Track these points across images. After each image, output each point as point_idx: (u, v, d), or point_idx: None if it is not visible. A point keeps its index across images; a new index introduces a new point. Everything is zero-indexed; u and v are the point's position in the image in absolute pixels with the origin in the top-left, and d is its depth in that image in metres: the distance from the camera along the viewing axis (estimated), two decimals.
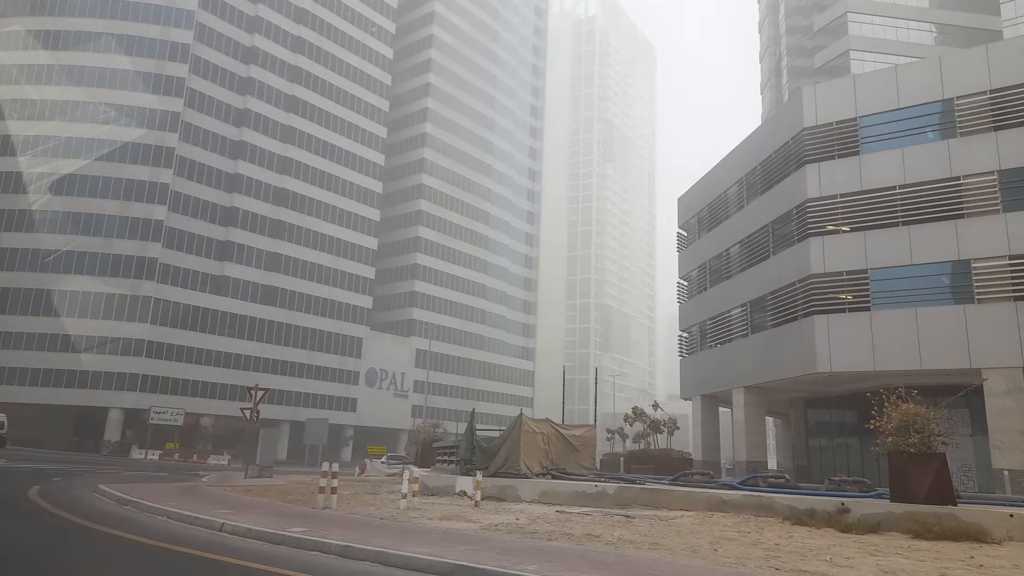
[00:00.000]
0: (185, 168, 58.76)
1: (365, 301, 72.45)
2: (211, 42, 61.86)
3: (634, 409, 30.29)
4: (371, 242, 73.85)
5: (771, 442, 50.90)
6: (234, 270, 61.54)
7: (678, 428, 29.30)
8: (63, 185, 55.19)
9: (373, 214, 74.50)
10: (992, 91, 24.44)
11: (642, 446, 30.48)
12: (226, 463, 45.87)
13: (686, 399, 39.40)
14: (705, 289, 37.12)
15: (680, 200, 42.32)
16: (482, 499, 16.57)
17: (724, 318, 34.27)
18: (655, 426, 28.85)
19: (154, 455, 47.64)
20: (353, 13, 75.09)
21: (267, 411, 43.70)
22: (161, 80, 58.45)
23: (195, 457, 48.88)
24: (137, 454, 48.47)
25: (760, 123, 58.20)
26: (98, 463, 35.90)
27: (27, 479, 19.82)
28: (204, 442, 57.71)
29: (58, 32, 58.14)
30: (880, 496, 14.54)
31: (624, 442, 33.57)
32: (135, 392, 53.86)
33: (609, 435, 33.20)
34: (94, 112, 56.80)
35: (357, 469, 36.96)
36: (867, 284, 25.34)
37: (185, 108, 58.92)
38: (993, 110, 24.30)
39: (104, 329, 53.80)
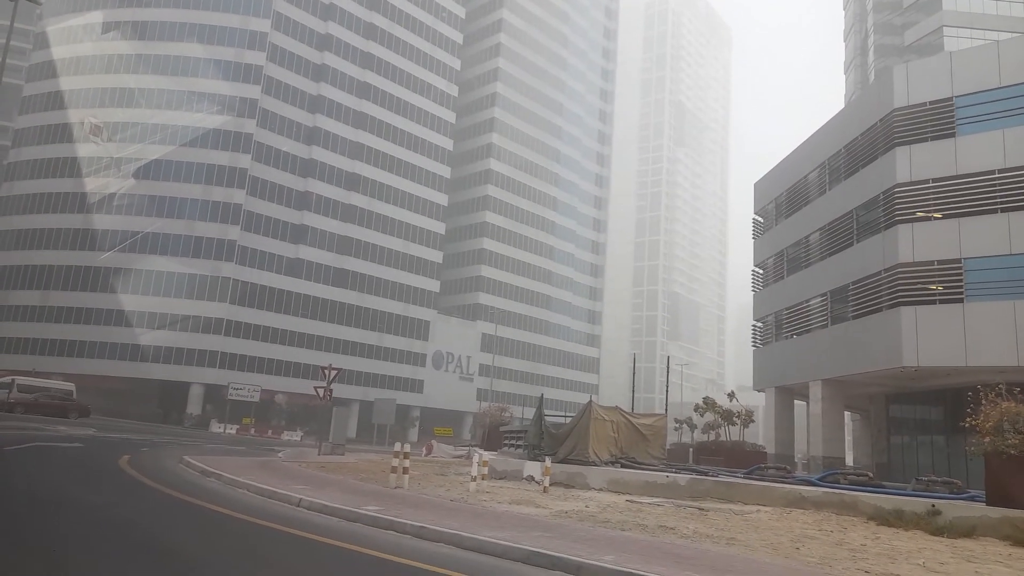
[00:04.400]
0: (262, 153, 60.64)
1: (433, 285, 73.38)
2: (287, 30, 63.40)
3: (706, 399, 29.57)
4: (439, 227, 74.59)
5: (848, 438, 49.04)
6: (308, 253, 63.28)
7: (753, 421, 28.46)
8: (150, 169, 57.84)
9: (441, 199, 75.17)
10: None
11: (712, 437, 29.80)
12: (299, 439, 47.35)
13: (759, 391, 38.31)
14: (782, 278, 35.86)
15: (757, 185, 40.94)
16: (550, 485, 16.49)
17: (802, 308, 33.04)
18: (727, 417, 28.13)
19: (232, 429, 49.60)
20: None
21: (338, 390, 44.96)
22: (240, 68, 60.34)
23: (270, 432, 50.64)
24: (216, 428, 50.57)
25: (844, 105, 55.70)
26: (181, 435, 37.64)
27: (116, 448, 20.89)
28: (278, 418, 59.81)
29: (144, 23, 60.73)
30: (974, 499, 13.70)
31: (692, 433, 32.93)
32: (215, 368, 56.25)
33: (677, 425, 32.60)
34: (178, 100, 59.18)
35: (424, 450, 37.52)
36: (960, 274, 23.87)
37: (263, 95, 60.68)
38: None
39: (187, 308, 56.31)
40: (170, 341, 55.68)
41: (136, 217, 57.34)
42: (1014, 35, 34.56)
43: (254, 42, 61.04)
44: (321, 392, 27.38)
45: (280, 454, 25.34)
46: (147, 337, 55.42)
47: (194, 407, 56.15)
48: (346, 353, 64.13)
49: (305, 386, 54.58)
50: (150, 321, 55.87)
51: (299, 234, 63.03)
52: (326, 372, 27.20)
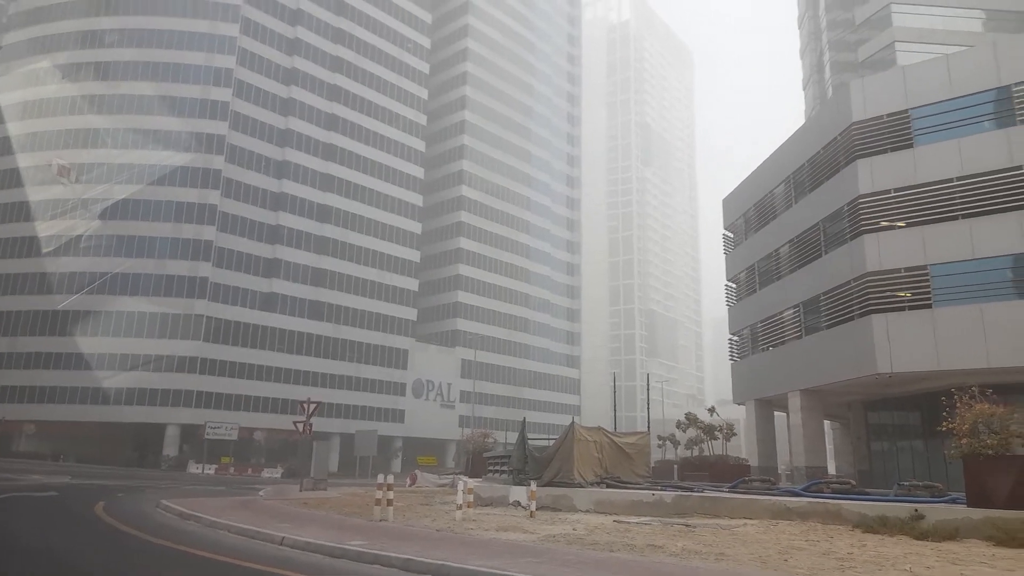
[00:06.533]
0: (232, 189, 60.27)
1: (410, 313, 73.07)
2: (252, 65, 63.46)
3: (688, 415, 29.72)
4: (413, 255, 74.54)
5: (829, 447, 49.49)
6: (282, 286, 62.74)
7: (735, 434, 28.63)
8: (118, 209, 57.09)
9: (415, 227, 75.21)
10: None
11: (695, 453, 29.89)
12: (279, 476, 46.55)
13: (739, 404, 38.56)
14: (755, 291, 36.32)
15: (725, 201, 41.60)
16: (537, 509, 16.39)
17: (776, 320, 33.46)
18: (709, 432, 28.27)
19: (210, 469, 48.64)
20: (389, 30, 76.22)
21: (317, 424, 44.41)
22: (207, 104, 60.15)
23: (249, 471, 49.74)
24: (194, 469, 49.56)
25: (804, 120, 57.03)
26: (158, 478, 36.78)
27: (92, 495, 20.36)
28: (258, 456, 58.77)
29: (107, 63, 60.39)
30: (955, 501, 13.90)
31: (676, 449, 33.01)
32: (191, 408, 55.22)
33: (660, 442, 32.68)
34: (144, 138, 58.71)
35: (408, 480, 37.08)
36: (927, 281, 24.41)
37: (230, 131, 60.48)
38: None
39: (160, 348, 55.34)
40: (143, 382, 54.56)
41: (104, 258, 56.40)
42: (962, 48, 35.76)
43: (219, 78, 60.95)
44: (301, 427, 27.01)
45: (261, 492, 24.89)
46: (119, 379, 54.25)
47: (170, 449, 54.96)
48: (324, 386, 63.37)
49: (284, 422, 53.77)
50: (122, 363, 54.76)
51: (272, 268, 62.51)
52: (305, 406, 26.88)
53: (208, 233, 58.11)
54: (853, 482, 18.41)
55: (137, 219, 57.04)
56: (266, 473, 48.30)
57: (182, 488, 26.91)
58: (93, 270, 56.04)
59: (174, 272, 56.81)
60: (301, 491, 25.96)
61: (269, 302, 61.86)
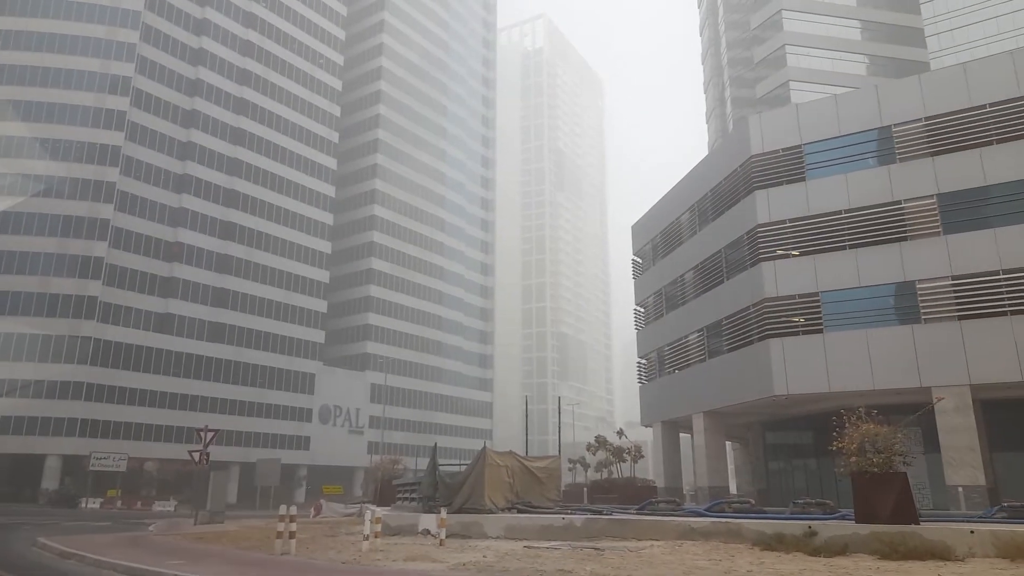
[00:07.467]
0: (127, 203, 56.99)
1: (317, 336, 71.00)
2: (153, 75, 60.61)
3: (597, 438, 30.15)
4: (322, 275, 72.63)
5: (731, 467, 51.31)
6: (179, 307, 59.60)
7: (642, 456, 29.24)
8: None
9: (324, 247, 73.43)
10: (927, 118, 25.52)
11: (605, 475, 30.31)
12: (173, 509, 43.90)
13: (646, 426, 39.44)
14: (662, 315, 37.45)
15: (634, 228, 42.84)
16: (447, 537, 16.07)
17: (681, 344, 34.57)
18: (618, 454, 28.76)
19: (95, 503, 45.29)
20: (301, 46, 74.75)
21: (216, 453, 42.18)
22: (101, 114, 56.86)
23: (139, 504, 46.65)
24: (80, 503, 46.01)
25: (708, 151, 59.78)
26: (36, 514, 33.91)
27: None
28: (149, 488, 55.18)
29: None
30: (845, 517, 14.61)
31: (586, 472, 33.37)
32: (74, 437, 51.36)
33: (571, 465, 32.95)
34: (30, 147, 54.82)
35: (312, 511, 35.62)
36: (819, 307, 25.90)
37: (126, 142, 57.36)
38: (929, 136, 25.34)
39: (39, 372, 51.27)
40: (19, 410, 50.28)
41: None
42: (849, 89, 38.55)
43: (116, 87, 57.80)
44: (197, 456, 25.56)
45: (151, 527, 23.32)
46: None
47: (50, 481, 50.78)
48: (225, 412, 60.43)
49: (178, 451, 50.87)
50: None
51: (170, 287, 59.32)
52: (202, 434, 25.49)
53: (99, 249, 54.64)
54: (752, 501, 19.08)
55: (18, 233, 52.98)
56: (158, 506, 45.45)
57: (62, 524, 24.85)
58: None
59: (59, 291, 52.97)
60: (196, 524, 24.51)
61: (165, 323, 58.62)
